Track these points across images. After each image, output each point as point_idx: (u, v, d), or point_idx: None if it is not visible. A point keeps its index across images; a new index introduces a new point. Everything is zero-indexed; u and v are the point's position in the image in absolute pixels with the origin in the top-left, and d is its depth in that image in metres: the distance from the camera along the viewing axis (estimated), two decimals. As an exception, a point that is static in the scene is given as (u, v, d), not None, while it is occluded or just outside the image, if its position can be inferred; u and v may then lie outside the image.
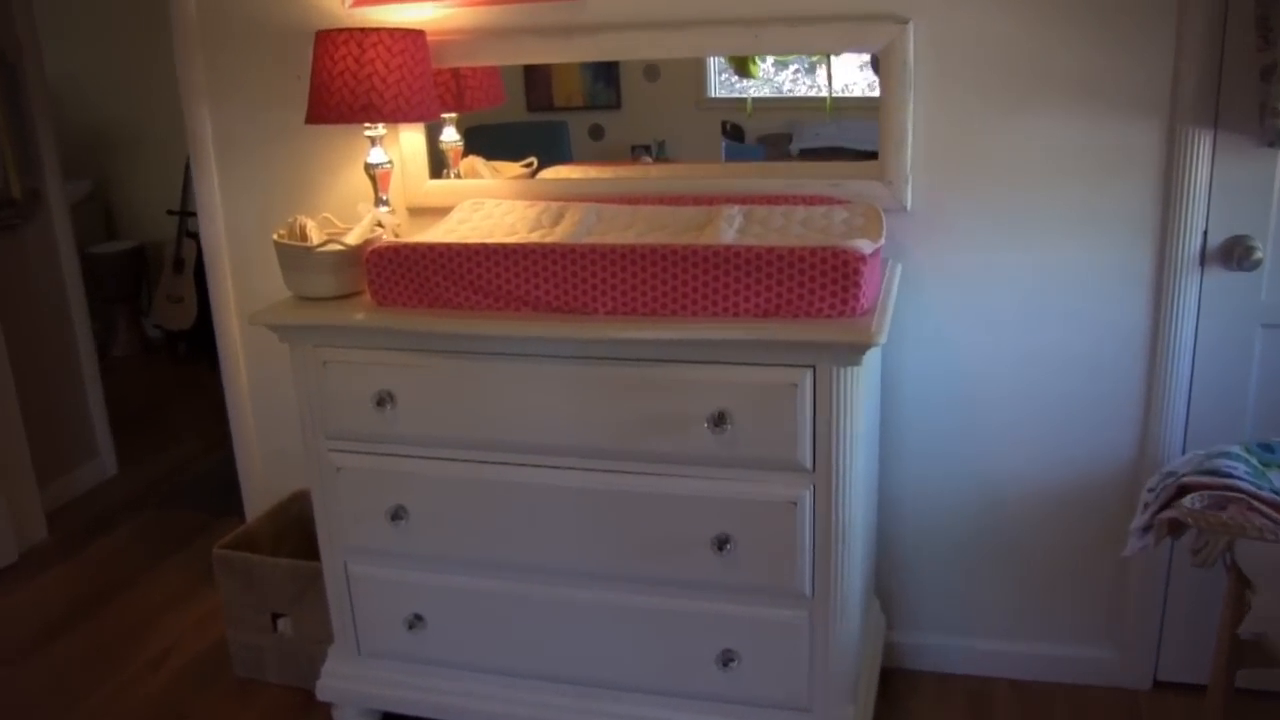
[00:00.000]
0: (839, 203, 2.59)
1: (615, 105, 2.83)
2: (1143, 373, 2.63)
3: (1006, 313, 2.67)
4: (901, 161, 2.58)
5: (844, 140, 2.74)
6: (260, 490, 3.41)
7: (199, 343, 5.86)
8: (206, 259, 3.28)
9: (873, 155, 2.62)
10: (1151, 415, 2.63)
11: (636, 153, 2.86)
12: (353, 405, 2.47)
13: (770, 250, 2.14)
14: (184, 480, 4.49)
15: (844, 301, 2.14)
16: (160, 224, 6.09)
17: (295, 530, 3.20)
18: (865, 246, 2.15)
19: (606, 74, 2.78)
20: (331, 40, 2.58)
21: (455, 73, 2.88)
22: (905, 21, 2.51)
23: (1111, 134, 2.50)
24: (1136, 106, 2.48)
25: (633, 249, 2.21)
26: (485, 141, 2.96)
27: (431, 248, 2.34)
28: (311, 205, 3.06)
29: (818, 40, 2.58)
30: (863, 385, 2.21)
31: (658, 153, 2.85)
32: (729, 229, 2.46)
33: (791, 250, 2.13)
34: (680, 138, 2.85)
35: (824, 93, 2.74)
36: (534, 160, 2.97)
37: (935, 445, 2.81)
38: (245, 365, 3.31)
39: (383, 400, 2.42)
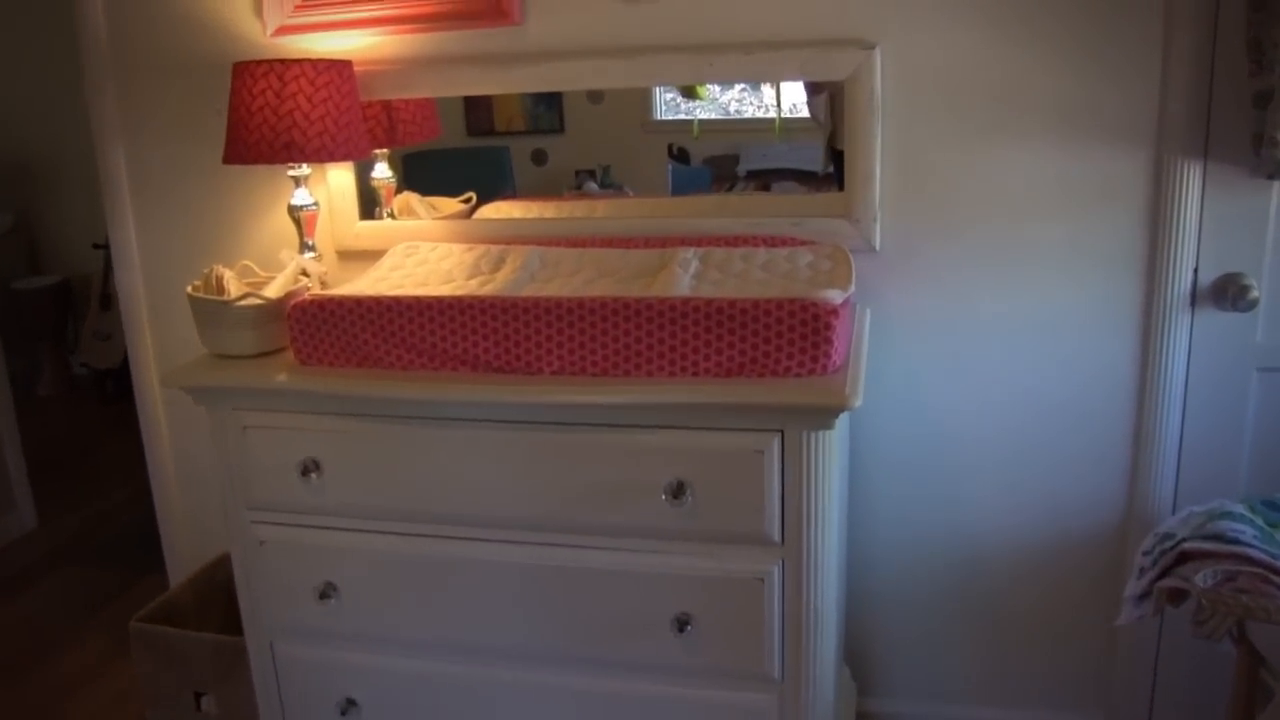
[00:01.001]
0: (802, 243, 2.40)
1: (558, 129, 2.69)
2: (1130, 420, 2.46)
3: (983, 357, 2.50)
4: (869, 198, 2.40)
5: (792, 161, 2.60)
6: (184, 553, 3.18)
7: (128, 382, 5.57)
8: (123, 306, 3.05)
9: (821, 177, 2.48)
10: (1140, 466, 2.46)
11: (581, 178, 2.72)
12: (276, 473, 2.25)
13: (732, 304, 1.94)
14: (108, 534, 4.24)
15: (814, 359, 1.94)
16: (87, 258, 5.83)
17: (222, 597, 2.96)
18: (835, 296, 1.96)
19: (549, 97, 2.64)
20: (249, 73, 2.36)
21: (387, 105, 2.68)
22: (872, 47, 2.33)
23: (1095, 165, 2.34)
24: (1121, 136, 2.31)
25: (580, 303, 2.00)
26: (423, 169, 2.80)
27: (359, 302, 2.12)
28: (235, 248, 2.84)
29: (776, 68, 2.40)
30: (836, 448, 2.02)
31: (603, 178, 2.71)
32: (684, 274, 2.26)
33: (756, 303, 1.93)
34: (626, 162, 2.71)
35: (772, 114, 2.57)
36: (473, 196, 2.79)
37: (908, 499, 2.63)
38: (166, 420, 3.08)
39: (308, 468, 2.21)
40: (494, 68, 2.52)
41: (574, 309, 2.00)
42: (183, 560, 3.19)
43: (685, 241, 2.46)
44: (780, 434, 1.95)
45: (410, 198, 2.81)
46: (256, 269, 2.47)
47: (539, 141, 2.72)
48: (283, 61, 2.35)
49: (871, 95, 2.35)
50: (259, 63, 2.35)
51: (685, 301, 1.96)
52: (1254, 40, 2.10)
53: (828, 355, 1.94)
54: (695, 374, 1.99)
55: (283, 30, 2.64)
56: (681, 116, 2.62)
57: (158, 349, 3.03)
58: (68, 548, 4.13)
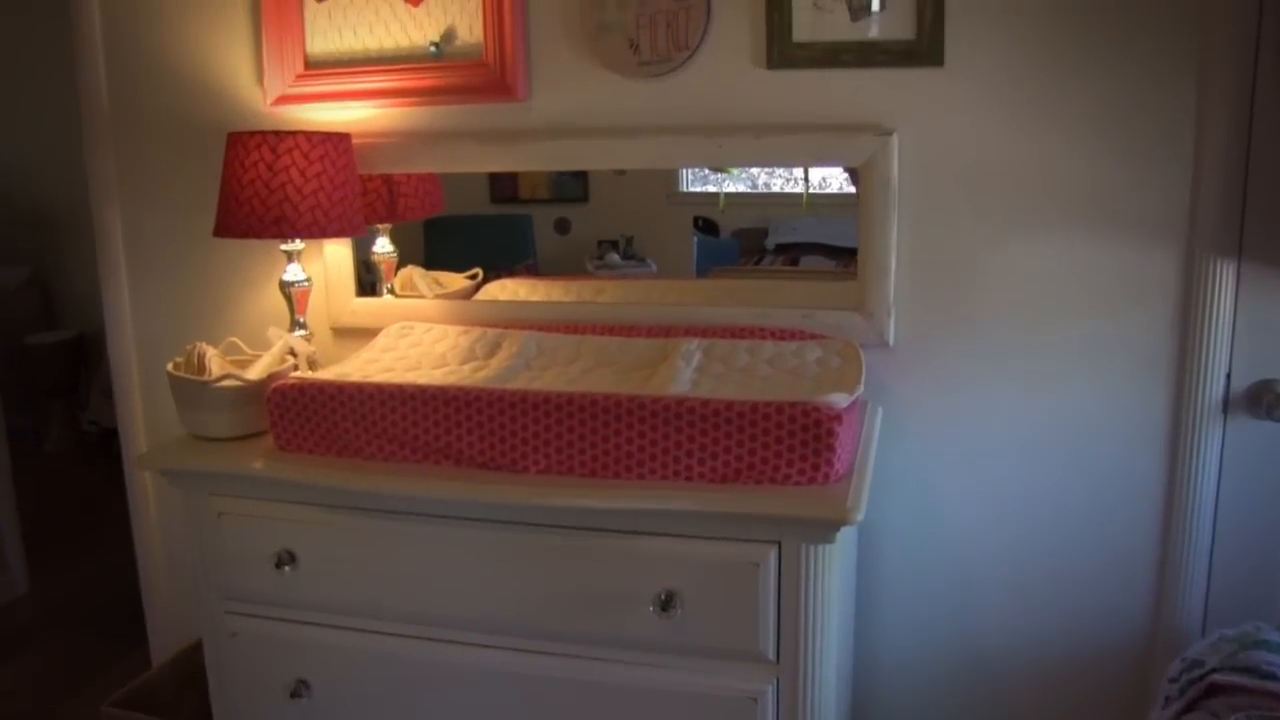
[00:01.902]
0: (812, 337, 2.29)
1: (583, 198, 2.62)
2: (1157, 532, 2.31)
3: (1001, 461, 2.36)
4: (884, 291, 2.29)
5: (821, 236, 2.52)
6: (168, 630, 3.07)
7: (135, 441, 5.51)
8: (114, 375, 2.97)
9: (851, 252, 2.35)
10: (1166, 583, 2.31)
11: (603, 248, 2.63)
12: (250, 562, 2.15)
13: (729, 405, 1.83)
14: (101, 600, 4.12)
15: (815, 467, 1.82)
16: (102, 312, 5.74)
17: (203, 680, 2.83)
18: (840, 401, 1.84)
19: None
20: (243, 144, 2.29)
21: (388, 179, 2.59)
22: (889, 133, 2.23)
23: (1122, 261, 2.22)
24: (1150, 230, 2.20)
25: (570, 399, 1.89)
26: (446, 236, 2.74)
27: (341, 388, 2.02)
28: (229, 320, 2.76)
29: (789, 153, 2.30)
30: (837, 562, 1.89)
31: (626, 248, 2.62)
32: (686, 368, 2.15)
33: (754, 406, 1.82)
34: (650, 232, 2.62)
35: (800, 188, 2.49)
36: (479, 272, 2.70)
37: (918, 610, 2.48)
38: (153, 493, 2.98)
39: (283, 560, 2.10)
40: (497, 144, 2.44)
41: (563, 405, 1.90)
42: (166, 637, 3.08)
43: (690, 331, 2.35)
44: (777, 545, 1.83)
45: (413, 272, 2.72)
46: (243, 346, 2.38)
47: (562, 210, 2.65)
48: (276, 133, 2.26)
49: (888, 183, 2.25)
50: (252, 134, 2.27)
51: (680, 402, 1.85)
52: (1292, 137, 1.99)
53: (830, 463, 1.82)
54: (689, 478, 1.87)
55: (283, 99, 2.56)
56: (709, 189, 2.55)
57: (148, 419, 2.94)
58: (57, 614, 4.01)
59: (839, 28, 2.24)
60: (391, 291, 2.69)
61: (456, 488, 1.91)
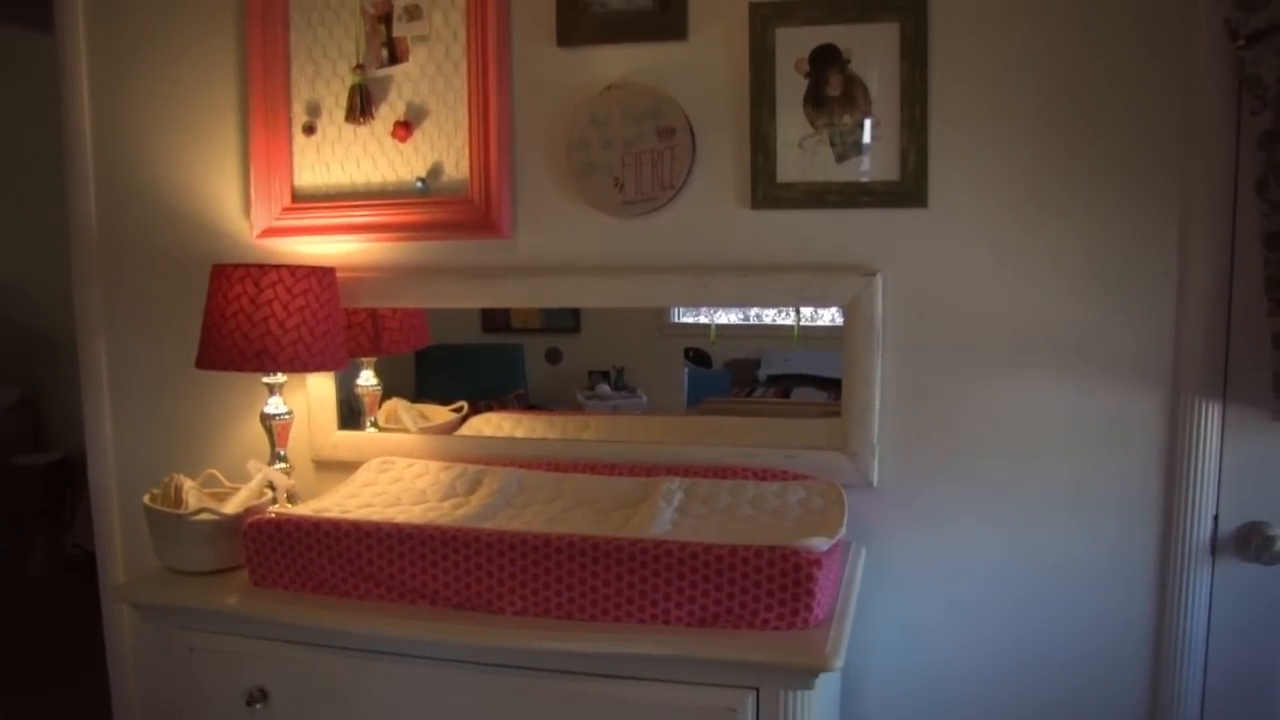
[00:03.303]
0: (795, 477, 2.27)
1: (574, 329, 2.63)
2: (1146, 678, 2.26)
3: (986, 603, 2.32)
4: (867, 431, 2.27)
5: (813, 368, 2.51)
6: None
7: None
8: (93, 504, 2.93)
9: (838, 382, 2.34)
10: (1158, 731, 2.25)
11: (594, 379, 2.64)
12: (220, 700, 2.10)
13: (707, 550, 1.80)
14: (78, 729, 4.04)
15: (795, 612, 1.79)
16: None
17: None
18: (819, 545, 1.82)
19: None
20: (226, 276, 2.29)
21: (373, 313, 2.59)
22: (874, 273, 2.24)
23: (1108, 403, 2.21)
24: (1135, 373, 2.19)
25: (546, 540, 1.87)
26: (436, 365, 2.74)
27: (316, 525, 2.00)
28: (212, 452, 2.74)
29: (774, 293, 2.30)
30: (816, 708, 1.85)
31: (616, 379, 2.63)
32: (667, 508, 2.13)
33: (733, 550, 1.80)
34: (641, 363, 2.63)
35: (791, 320, 2.48)
36: (464, 405, 2.69)
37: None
38: (129, 625, 2.92)
39: (254, 698, 2.05)
40: (481, 281, 2.44)
41: (539, 546, 1.87)
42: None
43: (672, 470, 2.33)
44: (755, 692, 1.79)
45: (398, 405, 2.71)
46: (222, 479, 2.36)
47: (554, 340, 2.66)
48: (260, 267, 2.27)
49: (871, 324, 2.25)
50: (235, 266, 2.28)
51: (657, 545, 1.83)
52: (1272, 278, 1.99)
53: (809, 608, 1.79)
54: (666, 621, 1.84)
55: (269, 232, 2.58)
56: (701, 320, 2.55)
57: (126, 548, 2.90)
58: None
59: (823, 168, 2.26)
60: (375, 425, 2.67)
61: (429, 628, 1.88)
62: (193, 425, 2.77)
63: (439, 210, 2.46)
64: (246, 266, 2.28)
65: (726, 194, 2.32)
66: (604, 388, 2.63)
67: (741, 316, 2.53)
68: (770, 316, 2.50)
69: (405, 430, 2.65)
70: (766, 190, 2.29)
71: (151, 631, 2.18)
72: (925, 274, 2.25)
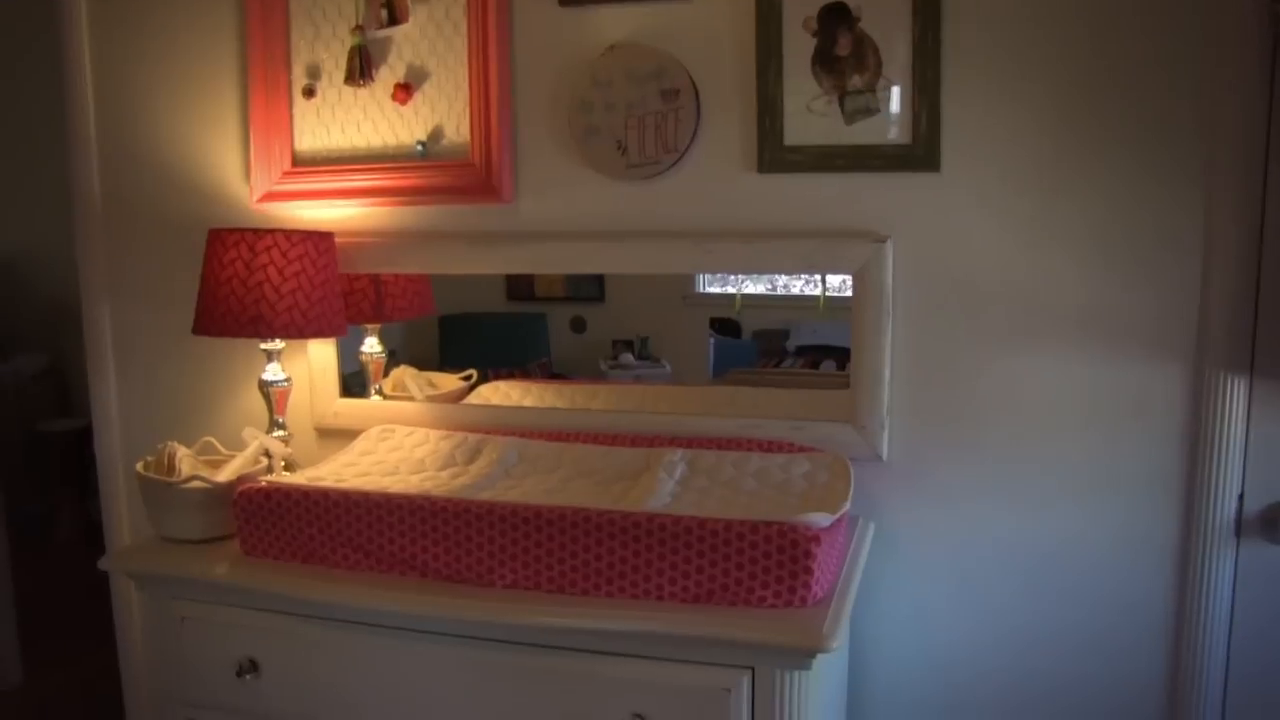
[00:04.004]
0: (801, 449, 2.20)
1: (599, 298, 2.57)
2: (1165, 663, 2.19)
3: (998, 581, 2.25)
4: (877, 403, 2.21)
5: (842, 339, 2.41)
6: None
7: (142, 532, 5.45)
8: (100, 471, 2.91)
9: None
10: (1177, 718, 2.17)
11: (618, 349, 2.58)
12: (211, 670, 2.07)
13: (702, 524, 1.74)
14: (96, 696, 4.02)
15: (792, 590, 1.73)
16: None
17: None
18: (820, 520, 1.75)
19: None
20: (221, 241, 2.25)
21: (375, 279, 2.54)
22: (884, 240, 2.16)
23: (1128, 376, 2.13)
24: (1157, 345, 2.11)
25: (538, 512, 1.82)
26: (461, 334, 2.70)
27: (307, 494, 1.95)
28: (214, 419, 2.71)
29: (779, 259, 2.24)
30: (817, 689, 1.80)
31: (640, 349, 2.57)
32: (668, 480, 2.07)
33: (728, 524, 1.73)
34: (666, 333, 2.57)
35: (817, 290, 2.41)
36: (473, 373, 2.64)
37: (910, 728, 2.36)
38: (135, 595, 2.89)
39: (243, 669, 2.02)
40: (482, 247, 2.39)
41: (530, 518, 1.82)
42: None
43: (675, 441, 2.27)
44: (750, 672, 1.73)
45: (405, 372, 2.66)
46: (219, 446, 2.33)
47: (578, 309, 2.61)
48: (255, 231, 2.22)
49: (882, 292, 2.18)
50: (231, 231, 2.24)
51: (650, 518, 1.77)
52: (1301, 249, 1.91)
53: (807, 586, 1.73)
54: (660, 597, 1.79)
55: (269, 197, 2.53)
56: (728, 290, 2.49)
57: (133, 516, 2.88)
58: (47, 711, 3.92)
59: (832, 131, 2.18)
60: (380, 392, 2.63)
61: (417, 601, 1.84)
62: (197, 392, 2.74)
63: (439, 174, 2.41)
64: (241, 231, 2.23)
65: (732, 157, 2.25)
66: (627, 357, 2.58)
67: (768, 287, 2.46)
68: (798, 287, 2.43)
69: (411, 399, 2.60)
70: (773, 153, 2.21)
71: (147, 601, 2.15)
72: (937, 241, 2.17)
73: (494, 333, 2.71)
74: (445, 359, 2.69)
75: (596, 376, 2.57)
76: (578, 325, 2.62)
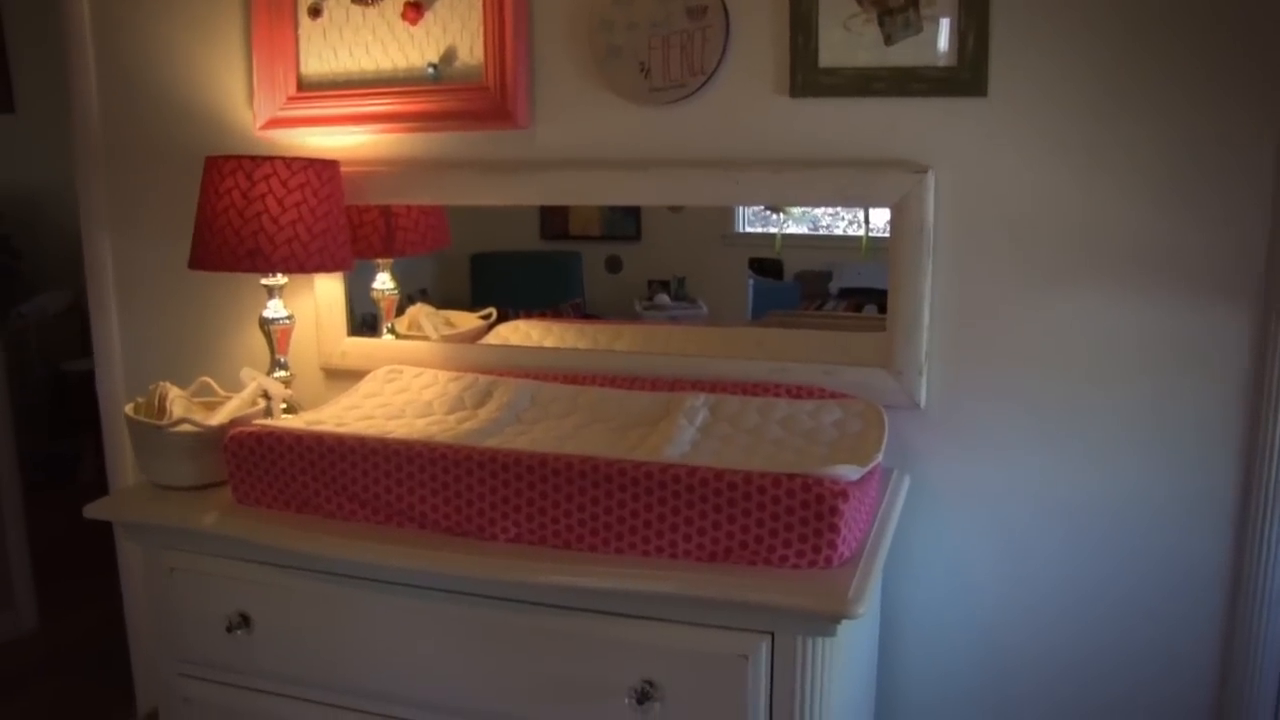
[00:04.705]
0: (832, 395, 2.05)
1: (635, 237, 2.48)
2: (1219, 628, 2.04)
3: (1042, 539, 2.11)
4: (914, 347, 2.06)
5: (886, 282, 2.27)
6: (152, 679, 2.88)
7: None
8: (102, 414, 2.81)
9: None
10: (1229, 688, 2.04)
11: (654, 289, 2.48)
12: (202, 624, 1.96)
13: (720, 476, 1.60)
14: (109, 640, 3.94)
15: (816, 549, 1.59)
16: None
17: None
18: (849, 474, 1.61)
19: None
20: (217, 169, 2.13)
21: (385, 211, 2.41)
22: (925, 170, 2.01)
23: (1187, 322, 1.97)
24: (1218, 290, 1.95)
25: (543, 460, 1.68)
26: (492, 272, 2.61)
27: (299, 439, 1.83)
28: (218, 358, 2.61)
29: (811, 191, 2.09)
30: (842, 657, 1.66)
31: (677, 289, 2.47)
32: (689, 427, 1.94)
33: (748, 477, 1.59)
34: (704, 274, 2.46)
35: (861, 231, 2.29)
36: (493, 312, 2.52)
37: (946, 706, 2.23)
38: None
39: (234, 624, 1.91)
40: (496, 176, 2.25)
41: (535, 467, 1.69)
42: (151, 686, 2.91)
43: (698, 385, 2.13)
44: (770, 637, 1.60)
45: (420, 310, 2.54)
46: (216, 387, 2.21)
47: (614, 248, 2.52)
48: (253, 158, 2.09)
49: (922, 227, 2.02)
50: (227, 158, 2.11)
51: (664, 469, 1.63)
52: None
53: (833, 545, 1.58)
54: (673, 555, 1.65)
55: (273, 123, 2.40)
56: (770, 230, 2.38)
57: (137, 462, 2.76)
58: (62, 655, 3.85)
59: (871, 52, 2.03)
60: (393, 331, 2.50)
61: (412, 555, 1.71)
62: (202, 330, 2.63)
63: (452, 99, 2.27)
64: (239, 158, 2.10)
65: (763, 80, 2.10)
66: (663, 298, 2.48)
67: (810, 227, 2.36)
68: (841, 228, 2.32)
69: (426, 338, 2.47)
70: (807, 76, 2.06)
71: (139, 551, 2.05)
72: (983, 172, 2.02)
73: (526, 272, 2.63)
74: (476, 298, 2.59)
75: (631, 318, 2.47)
76: (613, 265, 2.53)
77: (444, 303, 2.54)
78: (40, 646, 3.92)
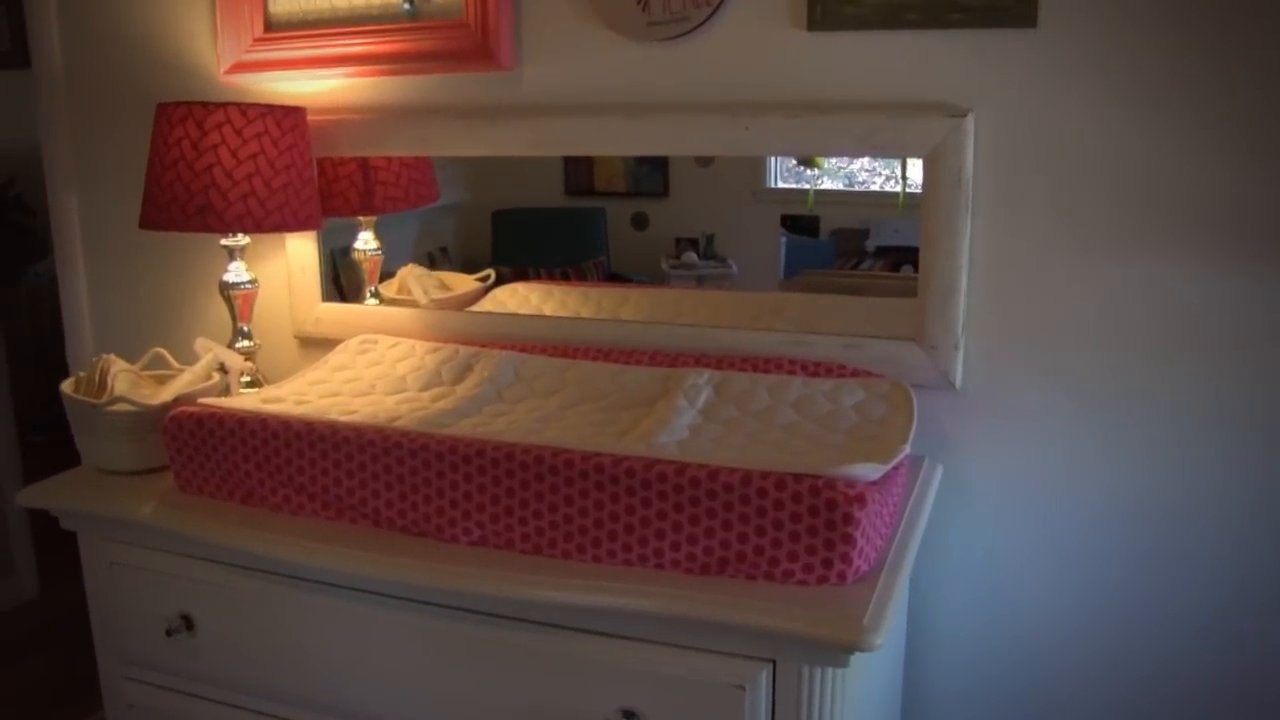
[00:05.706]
0: (854, 373, 1.81)
1: (662, 192, 2.32)
2: (1289, 645, 1.79)
3: (1089, 541, 1.87)
4: (950, 318, 1.81)
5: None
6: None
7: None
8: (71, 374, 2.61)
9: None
10: (1308, 709, 1.79)
11: (681, 247, 2.31)
12: (144, 623, 1.79)
13: (713, 475, 1.37)
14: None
15: (827, 563, 1.35)
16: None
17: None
18: (868, 473, 1.37)
19: (654, 156, 2.31)
20: (166, 118, 1.92)
21: (363, 164, 2.19)
22: (964, 114, 1.76)
23: (1261, 293, 1.71)
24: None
25: (510, 451, 1.46)
26: (513, 230, 2.46)
27: (241, 422, 1.62)
28: (188, 319, 2.44)
29: (832, 139, 1.85)
30: (856, 686, 1.43)
31: (705, 248, 2.29)
32: (689, 409, 1.70)
33: (746, 477, 1.36)
34: (733, 231, 2.29)
35: (898, 187, 2.07)
36: (491, 274, 2.33)
37: (978, 715, 2.00)
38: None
39: (174, 627, 1.73)
40: (478, 123, 2.03)
41: (501, 460, 1.46)
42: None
43: (702, 360, 1.89)
44: (771, 665, 1.37)
45: (409, 273, 2.33)
46: (170, 359, 2.00)
47: (640, 205, 2.36)
48: (204, 105, 1.87)
49: (959, 180, 1.77)
50: (177, 105, 1.90)
51: (649, 465, 1.40)
52: None
53: (846, 559, 1.35)
54: (659, 565, 1.43)
55: (238, 67, 2.18)
56: (803, 186, 2.21)
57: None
58: (62, 623, 3.75)
59: (903, -22, 1.77)
60: (376, 295, 2.29)
61: (360, 559, 1.51)
62: (173, 294, 2.45)
63: (430, 37, 2.05)
64: (189, 104, 1.89)
65: (777, 11, 1.86)
66: (691, 256, 2.31)
67: (846, 182, 2.18)
68: (878, 183, 2.12)
69: (414, 303, 2.26)
70: (827, 6, 1.81)
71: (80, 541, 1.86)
72: (1031, 116, 1.76)
73: (549, 229, 2.48)
74: (497, 255, 2.43)
75: (657, 278, 2.32)
76: (639, 221, 2.37)
77: (465, 261, 2.38)
78: (40, 614, 3.86)
